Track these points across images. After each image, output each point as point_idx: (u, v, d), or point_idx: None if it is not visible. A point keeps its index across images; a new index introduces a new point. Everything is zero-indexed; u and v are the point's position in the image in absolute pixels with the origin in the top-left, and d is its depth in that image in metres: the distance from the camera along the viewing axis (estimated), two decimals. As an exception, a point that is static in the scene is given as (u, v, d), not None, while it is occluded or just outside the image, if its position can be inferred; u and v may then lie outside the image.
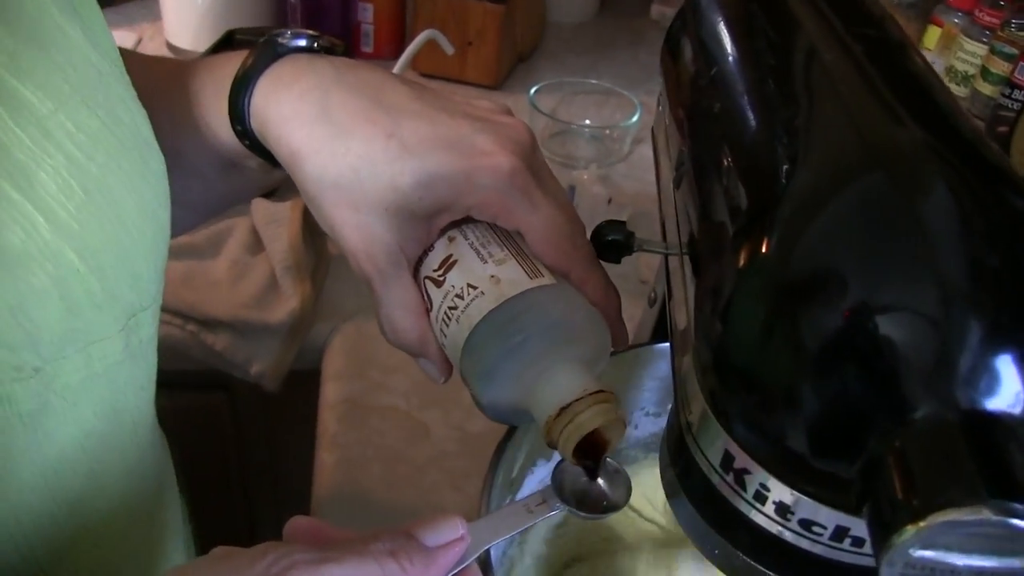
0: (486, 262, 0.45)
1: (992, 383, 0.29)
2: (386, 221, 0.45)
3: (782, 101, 0.40)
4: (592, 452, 0.42)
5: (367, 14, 1.44)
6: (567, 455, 0.41)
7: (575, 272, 0.46)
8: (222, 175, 0.54)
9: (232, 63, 0.49)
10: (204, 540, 1.18)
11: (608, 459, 0.47)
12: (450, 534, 0.39)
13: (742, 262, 0.33)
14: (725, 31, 0.48)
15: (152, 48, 1.46)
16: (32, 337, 0.36)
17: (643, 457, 0.62)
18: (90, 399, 0.41)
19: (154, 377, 0.48)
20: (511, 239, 0.47)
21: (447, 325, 0.45)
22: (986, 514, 0.25)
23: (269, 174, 0.54)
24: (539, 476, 0.56)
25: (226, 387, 1.00)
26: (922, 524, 0.26)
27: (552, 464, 0.57)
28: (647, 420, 0.61)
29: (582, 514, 0.44)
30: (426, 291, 0.47)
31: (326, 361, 0.91)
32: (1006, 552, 0.26)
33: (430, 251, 0.47)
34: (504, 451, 0.49)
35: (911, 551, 0.26)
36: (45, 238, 0.36)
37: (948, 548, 0.26)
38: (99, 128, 0.39)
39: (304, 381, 0.93)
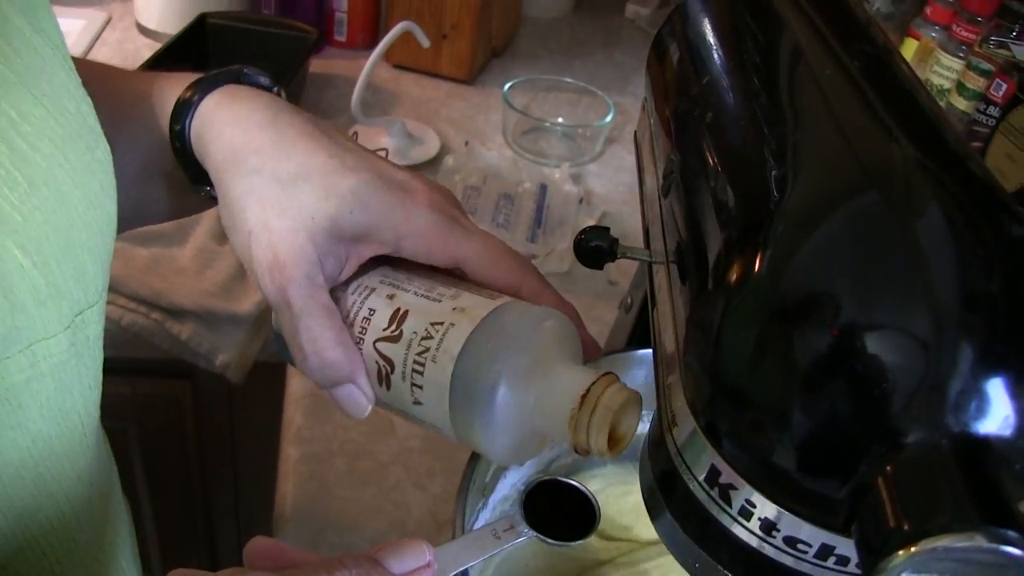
0: (441, 301, 0.44)
1: (983, 408, 0.29)
2: (311, 231, 0.44)
3: (775, 114, 0.40)
4: (616, 440, 0.41)
5: (342, 2, 1.43)
6: (601, 445, 0.40)
7: (526, 287, 0.46)
8: (136, 182, 0.53)
9: (193, 77, 0.49)
10: (162, 529, 1.17)
11: (576, 483, 0.47)
12: (417, 560, 0.38)
13: (733, 281, 0.33)
14: (717, 40, 0.48)
15: (122, 28, 1.43)
16: None
17: (615, 463, 0.61)
18: (35, 400, 0.39)
19: (100, 377, 0.46)
20: (451, 277, 0.46)
21: (419, 374, 0.43)
22: (979, 540, 0.25)
23: (177, 199, 0.54)
24: (511, 481, 0.56)
25: (189, 376, 0.99)
26: (914, 550, 0.26)
27: (523, 471, 0.57)
28: (621, 425, 0.61)
29: (550, 541, 0.44)
30: (380, 358, 0.44)
31: (292, 353, 0.90)
32: (997, 580, 0.26)
33: (369, 316, 0.45)
34: (479, 456, 0.48)
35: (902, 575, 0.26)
36: None
37: (939, 574, 0.26)
38: (43, 116, 0.37)
39: (269, 373, 0.92)
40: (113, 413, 0.98)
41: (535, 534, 0.44)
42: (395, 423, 0.83)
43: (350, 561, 0.36)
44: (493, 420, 0.41)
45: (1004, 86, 0.95)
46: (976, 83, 0.97)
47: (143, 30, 1.41)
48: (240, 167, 0.45)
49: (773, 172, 0.36)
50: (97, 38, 1.39)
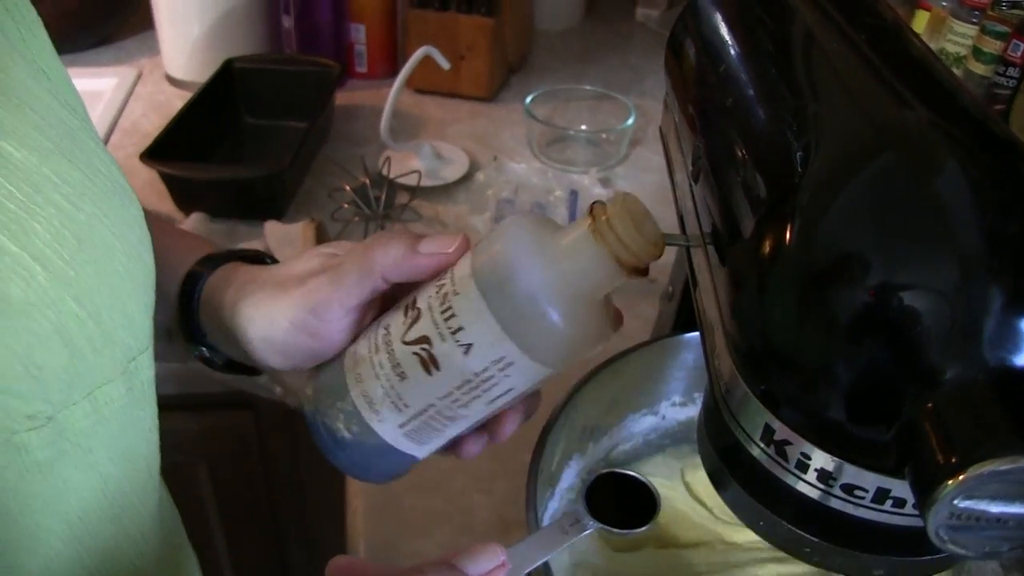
0: (434, 280, 0.44)
1: (1017, 343, 0.30)
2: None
3: (791, 92, 0.42)
4: (652, 240, 0.40)
5: (360, 34, 1.46)
6: (633, 233, 0.39)
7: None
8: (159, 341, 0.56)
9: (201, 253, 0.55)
10: (235, 560, 1.20)
11: (635, 474, 0.49)
12: (491, 562, 0.41)
13: (767, 252, 0.35)
14: (729, 30, 0.50)
15: (152, 81, 1.48)
16: (41, 384, 0.37)
17: (671, 446, 0.64)
18: (102, 444, 0.42)
19: (157, 420, 0.49)
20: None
21: (453, 316, 0.41)
22: (1022, 462, 0.27)
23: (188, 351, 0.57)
24: (575, 469, 0.58)
25: (251, 406, 1.02)
26: (962, 477, 0.28)
27: (585, 460, 0.59)
28: (674, 410, 0.63)
29: (615, 531, 0.46)
30: (415, 344, 0.43)
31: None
32: (1043, 498, 0.28)
33: (388, 331, 0.45)
34: (544, 446, 0.51)
35: (954, 502, 0.28)
36: (44, 286, 0.37)
37: (988, 497, 0.28)
38: (81, 179, 0.40)
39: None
40: (181, 448, 1.02)
41: (600, 525, 0.46)
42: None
43: (429, 568, 0.39)
44: (535, 297, 0.40)
45: (1022, 46, 0.96)
46: (992, 46, 0.98)
47: (172, 81, 1.46)
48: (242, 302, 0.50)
49: (794, 146, 0.38)
50: (130, 93, 1.44)
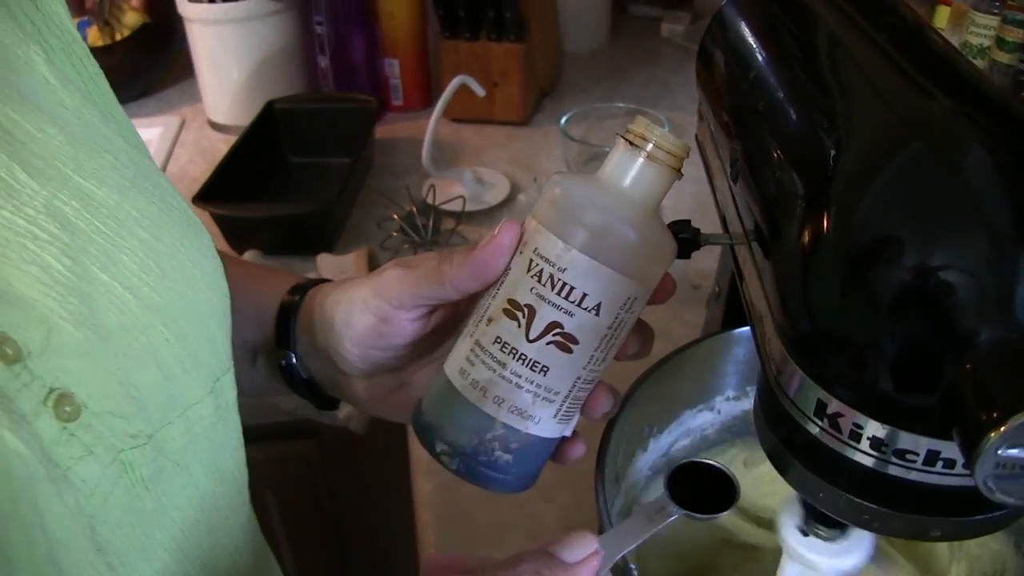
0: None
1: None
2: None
3: (820, 92, 0.44)
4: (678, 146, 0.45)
5: (394, 69, 1.50)
6: (660, 132, 0.45)
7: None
8: (242, 365, 0.60)
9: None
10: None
11: (714, 462, 0.51)
12: (586, 549, 0.44)
13: (808, 241, 0.38)
14: (755, 37, 0.53)
15: (196, 128, 1.53)
16: (140, 405, 0.40)
17: (728, 440, 0.66)
18: (197, 461, 0.45)
19: (242, 437, 0.52)
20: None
21: (562, 282, 0.44)
22: (1058, 410, 0.29)
23: (259, 375, 0.61)
24: (639, 467, 0.60)
25: (315, 433, 1.05)
26: (1003, 428, 0.30)
27: (648, 456, 0.62)
28: (728, 404, 0.65)
29: (699, 516, 0.48)
30: (535, 328, 0.44)
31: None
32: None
33: (502, 339, 0.45)
34: (608, 442, 0.53)
35: (999, 452, 0.30)
36: (135, 312, 0.40)
37: (1031, 447, 0.30)
38: (158, 213, 0.44)
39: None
40: (250, 479, 1.05)
41: (684, 512, 0.48)
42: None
43: (528, 557, 0.41)
44: (634, 227, 0.44)
45: (1042, 34, 0.98)
46: (1015, 35, 1.00)
47: (215, 126, 1.51)
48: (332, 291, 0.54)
49: (826, 142, 0.40)
50: (176, 141, 1.49)
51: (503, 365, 0.45)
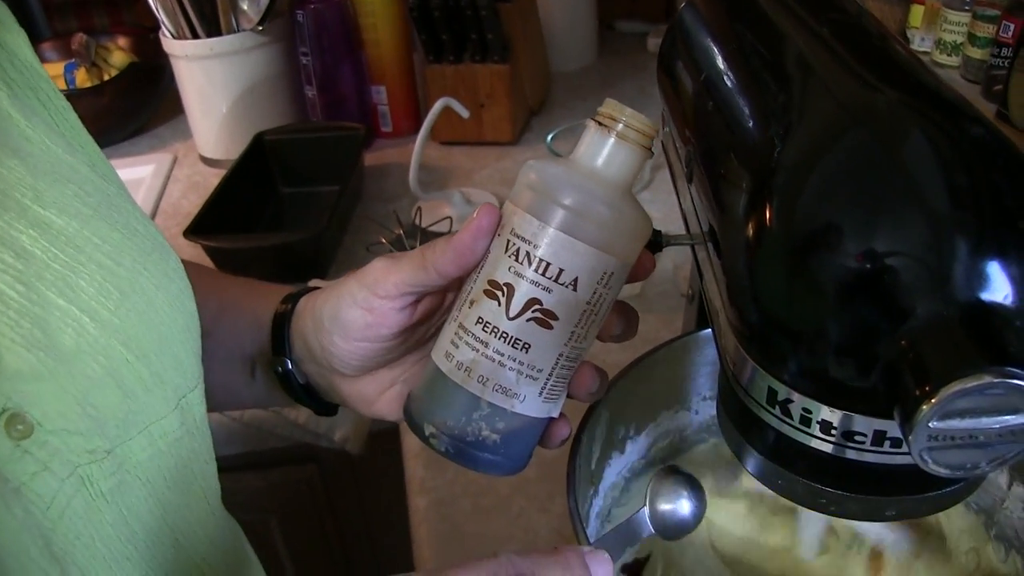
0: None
1: (981, 281, 0.33)
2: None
3: (766, 88, 0.45)
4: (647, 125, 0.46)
5: (381, 95, 1.52)
6: (629, 111, 0.46)
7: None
8: (224, 364, 0.61)
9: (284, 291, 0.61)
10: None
11: (685, 470, 0.51)
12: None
13: (751, 232, 0.38)
14: (709, 40, 0.54)
15: (188, 163, 1.55)
16: (98, 423, 0.42)
17: (707, 439, 0.66)
18: (160, 474, 0.46)
19: (213, 451, 0.53)
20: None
21: (539, 259, 0.45)
22: (986, 379, 0.30)
23: (255, 385, 0.62)
24: (616, 468, 0.61)
25: (314, 457, 1.06)
26: (934, 400, 0.31)
27: (626, 459, 0.62)
28: (705, 404, 0.66)
29: (667, 536, 0.48)
30: (515, 306, 0.45)
31: (402, 417, 0.97)
32: (1010, 410, 0.31)
33: (484, 318, 0.46)
34: (580, 443, 0.54)
35: (930, 424, 0.31)
36: (93, 335, 0.42)
37: (961, 416, 0.31)
38: (120, 239, 0.45)
39: (384, 439, 0.99)
40: (253, 506, 1.06)
41: (654, 533, 0.48)
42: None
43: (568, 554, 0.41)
44: (608, 203, 0.45)
45: (1012, 26, 0.98)
46: (985, 30, 1.01)
47: (207, 161, 1.53)
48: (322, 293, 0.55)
49: (770, 134, 0.41)
50: (168, 177, 1.51)
51: (486, 344, 0.46)
